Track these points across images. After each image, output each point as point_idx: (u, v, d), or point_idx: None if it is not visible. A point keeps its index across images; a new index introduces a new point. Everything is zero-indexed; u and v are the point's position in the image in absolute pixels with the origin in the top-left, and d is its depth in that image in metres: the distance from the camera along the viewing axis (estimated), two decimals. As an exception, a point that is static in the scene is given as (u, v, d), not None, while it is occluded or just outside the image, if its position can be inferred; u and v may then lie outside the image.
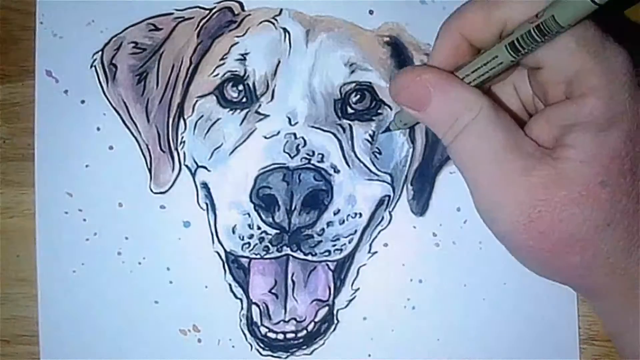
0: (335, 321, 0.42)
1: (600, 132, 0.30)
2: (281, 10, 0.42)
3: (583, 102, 0.31)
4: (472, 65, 0.32)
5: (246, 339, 0.42)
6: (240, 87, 0.42)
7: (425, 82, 0.32)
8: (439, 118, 0.33)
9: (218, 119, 0.42)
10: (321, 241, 0.40)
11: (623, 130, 0.30)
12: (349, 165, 0.40)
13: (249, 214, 0.40)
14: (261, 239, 0.40)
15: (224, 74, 0.42)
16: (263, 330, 0.42)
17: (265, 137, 0.40)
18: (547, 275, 0.35)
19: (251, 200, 0.40)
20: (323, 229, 0.40)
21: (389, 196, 0.42)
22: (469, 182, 0.33)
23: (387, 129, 0.41)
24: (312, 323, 0.42)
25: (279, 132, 0.40)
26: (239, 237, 0.40)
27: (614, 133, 0.30)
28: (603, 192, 0.31)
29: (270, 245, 0.40)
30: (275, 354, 0.42)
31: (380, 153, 0.41)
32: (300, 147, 0.40)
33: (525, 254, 0.33)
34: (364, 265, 0.42)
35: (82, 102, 0.42)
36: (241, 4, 0.43)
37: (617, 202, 0.31)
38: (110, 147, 0.42)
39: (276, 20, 0.42)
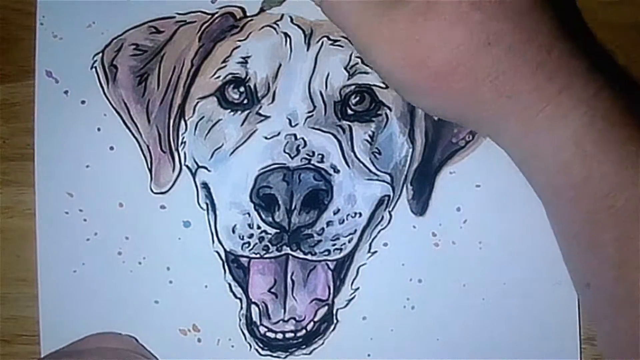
0: (335, 321, 0.42)
1: None
2: (282, 15, 0.42)
3: None
4: None
5: (245, 338, 0.42)
6: (242, 89, 0.42)
7: None
8: None
9: (219, 120, 0.42)
10: (321, 240, 0.40)
11: None
12: (348, 166, 0.41)
13: (249, 214, 0.40)
14: (261, 239, 0.40)
15: (225, 76, 0.42)
16: (262, 329, 0.41)
17: (266, 138, 0.41)
18: (440, 110, 0.35)
19: (251, 200, 0.40)
20: (323, 229, 0.40)
21: (389, 196, 0.42)
22: (346, 32, 0.34)
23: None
24: (312, 322, 0.41)
25: (279, 133, 0.40)
26: (239, 237, 0.40)
27: None
28: (475, 14, 0.31)
29: (270, 245, 0.40)
30: (274, 354, 0.42)
31: (379, 153, 0.42)
32: (300, 147, 0.40)
33: (412, 88, 0.34)
34: (364, 264, 0.42)
35: (83, 102, 0.43)
36: (243, 10, 0.43)
37: (493, 23, 0.31)
38: (111, 148, 0.42)
39: (277, 25, 0.42)
